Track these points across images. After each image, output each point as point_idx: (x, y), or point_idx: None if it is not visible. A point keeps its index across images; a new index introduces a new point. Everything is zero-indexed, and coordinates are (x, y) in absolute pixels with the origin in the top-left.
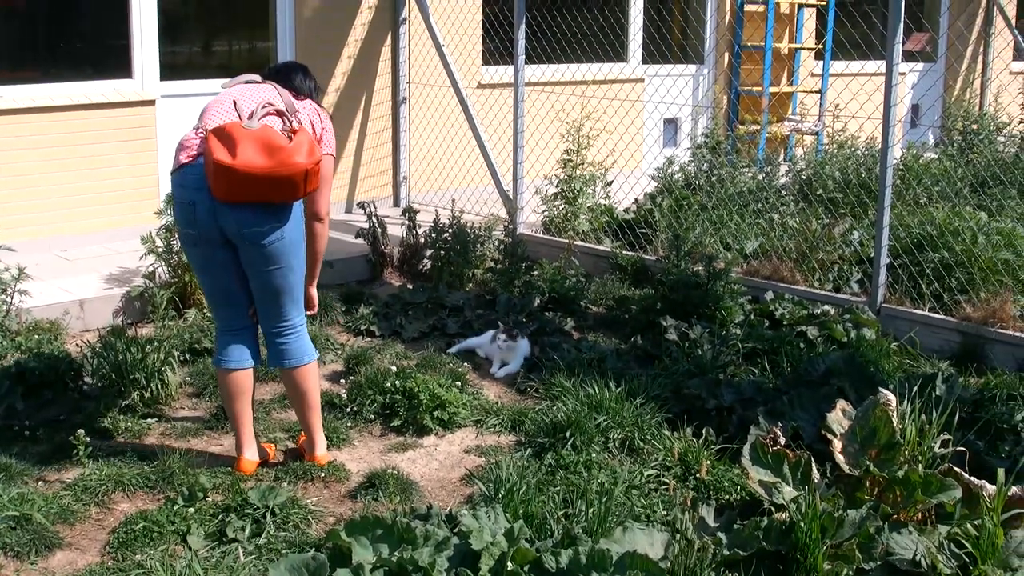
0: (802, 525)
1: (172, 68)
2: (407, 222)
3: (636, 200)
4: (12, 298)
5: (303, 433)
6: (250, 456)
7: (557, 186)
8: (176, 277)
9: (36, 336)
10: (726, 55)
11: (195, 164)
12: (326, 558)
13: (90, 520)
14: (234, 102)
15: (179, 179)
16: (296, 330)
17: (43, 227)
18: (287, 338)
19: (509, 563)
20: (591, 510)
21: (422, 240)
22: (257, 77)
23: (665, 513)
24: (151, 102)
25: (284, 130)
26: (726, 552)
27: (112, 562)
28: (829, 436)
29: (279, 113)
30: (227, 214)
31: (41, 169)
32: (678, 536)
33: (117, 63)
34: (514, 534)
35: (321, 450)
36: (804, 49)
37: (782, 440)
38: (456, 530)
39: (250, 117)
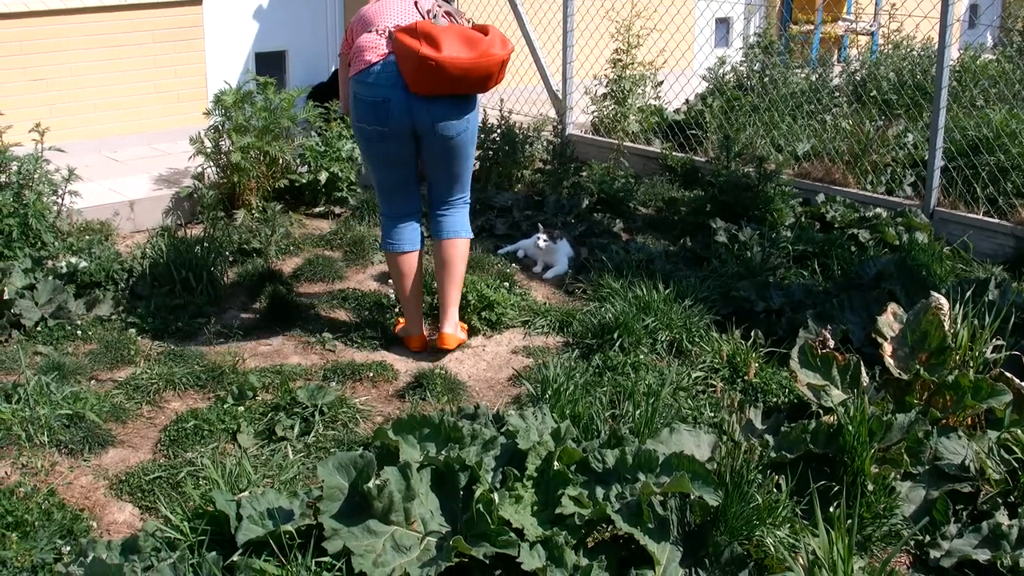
0: (850, 428)
1: None
2: None
3: (687, 101)
4: (63, 199)
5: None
6: (422, 333)
7: (607, 86)
8: (225, 178)
9: (87, 236)
10: None
11: (387, 62)
12: (374, 456)
13: (141, 418)
14: (415, 2)
15: (369, 78)
16: (465, 205)
17: (92, 128)
18: (455, 210)
19: (555, 463)
20: (638, 411)
21: None
22: None
23: (712, 415)
24: (198, 2)
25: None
26: (773, 454)
27: (163, 459)
28: (879, 339)
29: (448, 14)
30: (422, 108)
31: (89, 70)
32: (725, 438)
33: None
34: (560, 434)
35: (451, 327)
36: None
37: (831, 343)
38: (503, 430)
39: (433, 17)
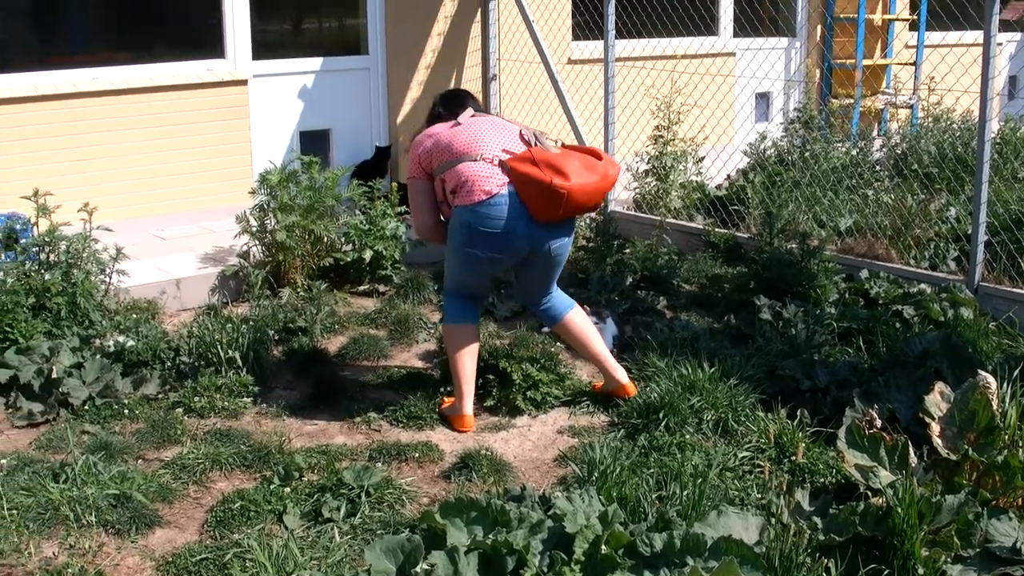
0: (899, 511)
1: (264, 47)
2: None
3: (728, 176)
4: (111, 278)
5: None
6: (471, 412)
7: (648, 163)
8: (270, 256)
9: (134, 315)
10: (819, 27)
11: (509, 192)
12: (421, 540)
13: (188, 498)
14: (520, 133)
15: (491, 209)
16: (556, 292)
17: (139, 206)
18: (554, 293)
19: (603, 546)
20: (685, 493)
21: None
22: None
23: (760, 496)
24: (243, 82)
25: None
26: (821, 537)
27: (210, 540)
28: (927, 419)
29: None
30: (543, 234)
31: (137, 149)
32: (773, 520)
33: (210, 43)
34: (608, 517)
35: (624, 376)
36: (898, 20)
37: (878, 422)
38: (550, 512)
39: (536, 143)
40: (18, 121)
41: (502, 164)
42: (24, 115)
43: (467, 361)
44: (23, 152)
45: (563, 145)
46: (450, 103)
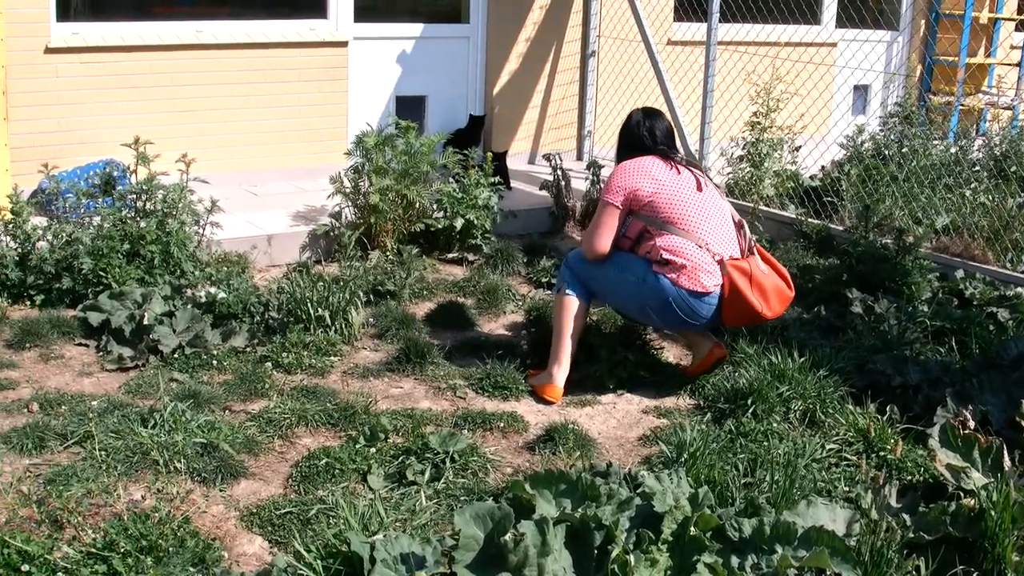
0: (992, 514)
1: (365, 10)
2: (591, 176)
3: (823, 167)
4: (204, 229)
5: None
6: (562, 384)
7: (743, 148)
8: (362, 218)
9: (225, 268)
10: (923, 22)
11: (718, 295)
12: (511, 509)
13: (273, 452)
14: (738, 228)
15: (698, 304)
16: None
17: (234, 161)
18: None
19: (691, 528)
20: (775, 479)
21: None
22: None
23: (847, 490)
24: (344, 43)
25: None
26: (911, 535)
27: (294, 494)
28: (1022, 423)
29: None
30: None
31: (235, 104)
32: (860, 514)
33: (312, 3)
34: (698, 499)
35: (713, 337)
36: (1005, 19)
37: (971, 423)
38: (639, 491)
39: (750, 251)
40: (119, 70)
41: (722, 264)
42: (126, 63)
43: (572, 333)
44: (123, 100)
45: (759, 249)
46: (655, 131)
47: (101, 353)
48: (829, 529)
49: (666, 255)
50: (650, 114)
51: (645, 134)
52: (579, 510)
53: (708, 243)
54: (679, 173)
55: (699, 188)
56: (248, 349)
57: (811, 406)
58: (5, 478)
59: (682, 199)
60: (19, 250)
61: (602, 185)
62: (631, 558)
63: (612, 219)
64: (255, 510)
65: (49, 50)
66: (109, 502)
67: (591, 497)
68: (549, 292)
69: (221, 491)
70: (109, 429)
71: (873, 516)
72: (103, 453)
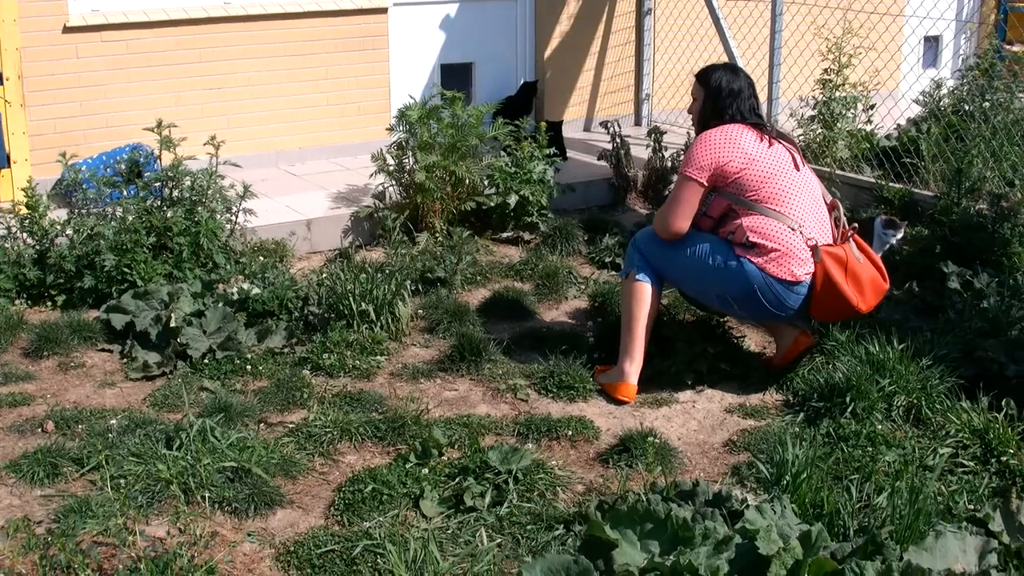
0: None
1: None
2: (652, 143)
3: (898, 126)
4: (237, 217)
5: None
6: (635, 381)
7: (815, 108)
8: (408, 198)
9: (261, 258)
10: None
11: (809, 284)
12: (590, 564)
13: (314, 473)
14: (830, 210)
15: (787, 293)
16: None
17: (269, 140)
18: None
19: (804, 575)
20: (899, 503)
21: (668, 163)
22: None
23: (972, 508)
24: (383, 10)
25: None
26: None
27: (337, 527)
28: None
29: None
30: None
31: (269, 79)
32: (991, 537)
33: None
34: (812, 540)
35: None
36: None
37: None
38: (737, 526)
39: (843, 236)
40: (144, 47)
41: (815, 251)
42: (150, 41)
43: (645, 323)
44: (149, 80)
45: (853, 235)
46: (735, 91)
47: (125, 359)
48: (961, 572)
49: (753, 237)
50: (737, 73)
51: (724, 96)
52: (670, 556)
53: (802, 226)
54: (771, 146)
55: (796, 167)
56: (286, 350)
57: (915, 401)
58: (14, 513)
59: (775, 176)
60: (37, 247)
61: (664, 153)
62: None
63: (693, 196)
64: (292, 547)
65: (68, 29)
66: (127, 542)
67: (683, 539)
68: (615, 273)
69: (251, 530)
70: (130, 452)
71: (1005, 540)
72: (121, 482)
